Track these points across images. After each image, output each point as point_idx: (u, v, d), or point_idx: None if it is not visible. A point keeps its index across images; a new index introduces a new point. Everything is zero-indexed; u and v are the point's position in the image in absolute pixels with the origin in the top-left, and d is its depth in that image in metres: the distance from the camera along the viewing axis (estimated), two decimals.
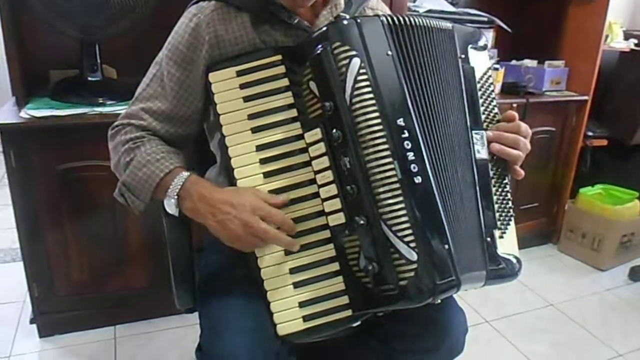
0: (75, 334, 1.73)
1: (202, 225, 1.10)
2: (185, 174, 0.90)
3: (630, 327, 2.01)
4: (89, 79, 1.69)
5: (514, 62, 2.47)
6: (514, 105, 2.17)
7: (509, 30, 2.23)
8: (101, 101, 1.63)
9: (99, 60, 1.69)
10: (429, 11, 2.07)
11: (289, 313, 0.88)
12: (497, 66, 2.23)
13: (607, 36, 2.36)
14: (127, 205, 0.97)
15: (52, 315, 1.70)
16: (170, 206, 0.89)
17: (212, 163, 1.12)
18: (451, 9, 2.16)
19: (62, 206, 1.59)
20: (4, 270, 2.16)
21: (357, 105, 0.82)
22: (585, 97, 2.37)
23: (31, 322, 1.70)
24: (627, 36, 2.50)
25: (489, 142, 0.94)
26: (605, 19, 2.26)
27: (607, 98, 2.58)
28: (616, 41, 2.43)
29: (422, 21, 0.89)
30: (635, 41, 2.45)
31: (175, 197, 0.88)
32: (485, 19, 2.19)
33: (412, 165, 0.82)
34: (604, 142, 2.60)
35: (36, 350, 1.67)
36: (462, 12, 2.17)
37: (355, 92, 0.82)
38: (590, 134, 2.52)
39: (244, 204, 0.83)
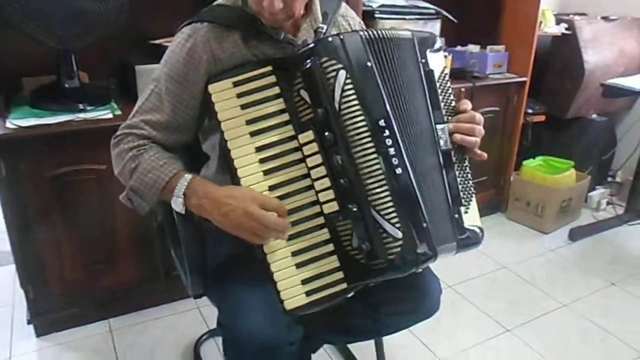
0: (72, 330, 1.82)
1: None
2: (189, 176, 1.02)
3: (571, 281, 2.28)
4: (67, 85, 1.74)
5: (458, 47, 2.66)
6: (462, 89, 2.37)
7: (455, 20, 2.41)
8: (81, 107, 1.70)
9: (75, 68, 1.74)
10: (382, 5, 2.23)
11: (293, 290, 1.01)
12: (445, 53, 2.42)
13: (540, 22, 2.59)
14: (132, 207, 1.08)
15: (47, 314, 1.77)
16: (178, 205, 1.01)
17: (199, 162, 1.24)
18: (402, 2, 2.32)
19: (52, 211, 1.65)
20: None
21: (345, 111, 0.96)
22: (525, 78, 2.60)
23: (28, 323, 1.76)
24: (558, 21, 2.74)
25: (450, 133, 1.10)
26: (538, 6, 2.48)
27: (543, 78, 2.82)
28: (549, 26, 2.66)
29: (391, 33, 1.04)
30: (566, 25, 2.70)
31: (182, 196, 1.00)
32: (433, 11, 2.36)
33: (394, 159, 0.98)
34: (542, 118, 2.85)
35: (35, 349, 1.74)
36: (412, 6, 2.33)
37: (343, 100, 0.96)
38: (530, 111, 2.76)
39: (244, 195, 0.96)
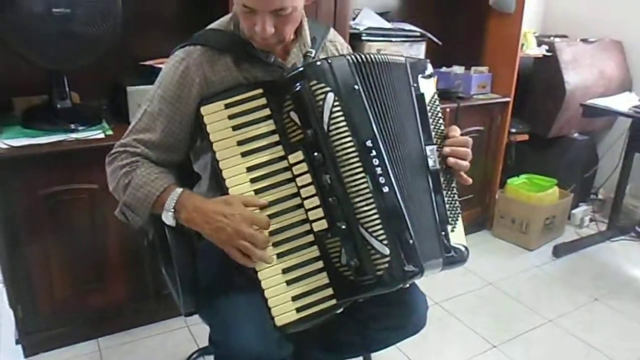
0: (60, 350, 1.81)
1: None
2: (179, 189, 1.05)
3: (556, 297, 2.32)
4: (58, 106, 1.76)
5: (443, 69, 2.73)
6: (447, 110, 2.43)
7: (439, 43, 2.48)
8: (73, 127, 1.72)
9: (67, 89, 1.76)
10: (369, 28, 2.29)
11: (284, 306, 1.03)
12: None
13: (522, 44, 2.67)
14: (127, 222, 1.10)
15: (36, 334, 1.76)
16: (168, 218, 1.04)
17: (190, 181, 1.26)
18: (388, 25, 2.38)
19: (43, 230, 1.66)
20: None
21: (334, 132, 1.00)
22: (508, 99, 2.67)
23: (17, 343, 1.75)
24: (539, 43, 2.83)
25: (446, 156, 1.14)
26: (520, 29, 2.56)
27: (526, 98, 2.89)
28: (531, 48, 2.74)
29: (381, 58, 1.08)
30: (547, 47, 2.78)
31: (172, 210, 1.03)
32: (418, 34, 2.43)
33: (381, 178, 1.01)
34: (526, 137, 2.92)
35: None
36: (397, 29, 2.40)
37: (332, 122, 1.00)
38: (513, 130, 2.83)
39: (234, 214, 0.99)
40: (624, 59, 3.06)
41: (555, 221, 2.81)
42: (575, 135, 3.04)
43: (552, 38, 2.92)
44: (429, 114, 1.16)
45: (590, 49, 2.93)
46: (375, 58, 1.07)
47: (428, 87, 1.18)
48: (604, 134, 3.24)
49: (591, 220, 3.08)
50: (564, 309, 2.22)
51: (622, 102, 2.63)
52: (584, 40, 2.98)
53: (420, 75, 1.17)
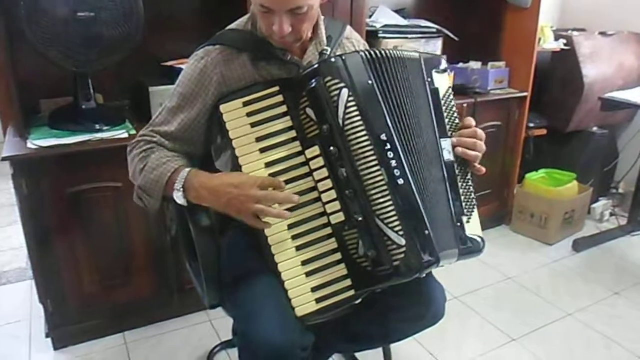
0: (88, 343, 1.87)
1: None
2: (187, 169, 1.08)
3: (576, 291, 2.31)
4: (83, 107, 1.82)
5: (460, 64, 2.73)
6: (464, 105, 2.43)
7: (456, 38, 2.49)
8: (98, 127, 1.77)
9: (92, 90, 1.82)
10: (385, 26, 2.31)
11: (304, 297, 1.08)
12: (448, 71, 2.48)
13: (540, 38, 2.66)
14: (144, 207, 1.15)
15: (65, 327, 1.83)
16: (179, 198, 1.08)
17: None
18: (404, 22, 2.40)
19: (71, 226, 1.72)
20: (6, 292, 2.25)
21: (349, 127, 1.03)
22: (525, 93, 2.66)
23: (47, 336, 1.82)
24: (557, 37, 2.81)
25: (453, 146, 1.16)
26: (537, 23, 2.55)
27: (543, 93, 2.87)
28: (548, 42, 2.73)
29: (394, 53, 1.11)
30: (564, 41, 2.76)
31: (181, 189, 1.07)
32: (434, 30, 2.44)
33: (395, 170, 1.04)
34: (544, 132, 2.90)
35: None
36: (414, 25, 2.41)
37: (347, 116, 1.03)
38: (531, 125, 2.82)
39: (243, 182, 1.02)
40: None
41: (575, 215, 2.79)
42: (595, 129, 3.00)
43: (569, 32, 2.90)
44: (444, 107, 1.19)
45: (608, 42, 2.90)
46: (388, 53, 1.10)
47: (442, 81, 1.21)
48: (624, 127, 3.20)
49: (611, 214, 3.05)
50: (583, 303, 2.22)
51: None
52: (602, 33, 2.94)
53: (434, 70, 1.20)
